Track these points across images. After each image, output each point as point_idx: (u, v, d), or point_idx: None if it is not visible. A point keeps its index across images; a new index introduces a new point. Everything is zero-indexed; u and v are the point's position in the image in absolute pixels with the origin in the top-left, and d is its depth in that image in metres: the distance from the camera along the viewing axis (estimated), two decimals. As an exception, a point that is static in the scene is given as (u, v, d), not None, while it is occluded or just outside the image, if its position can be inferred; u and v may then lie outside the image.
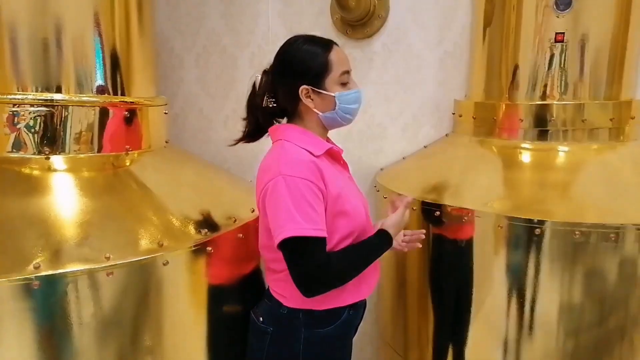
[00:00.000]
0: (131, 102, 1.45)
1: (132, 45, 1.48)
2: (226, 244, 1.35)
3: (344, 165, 1.40)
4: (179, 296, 1.27)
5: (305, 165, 1.16)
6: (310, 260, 1.14)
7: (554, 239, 1.43)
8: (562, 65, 1.61)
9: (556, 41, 1.59)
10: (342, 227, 1.23)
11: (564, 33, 1.58)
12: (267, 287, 1.37)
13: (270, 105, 1.30)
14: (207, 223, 1.35)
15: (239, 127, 2.35)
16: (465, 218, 1.55)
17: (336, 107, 1.25)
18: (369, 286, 1.36)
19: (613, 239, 1.39)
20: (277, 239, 1.13)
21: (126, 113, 1.41)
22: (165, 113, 1.61)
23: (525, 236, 1.46)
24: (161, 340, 1.24)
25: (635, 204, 1.45)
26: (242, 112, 2.22)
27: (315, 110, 1.25)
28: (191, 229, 1.31)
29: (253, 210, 1.47)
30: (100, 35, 1.38)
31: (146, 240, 1.21)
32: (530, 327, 1.50)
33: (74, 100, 1.32)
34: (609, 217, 1.41)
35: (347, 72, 1.26)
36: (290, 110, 1.30)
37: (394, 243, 1.35)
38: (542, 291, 1.47)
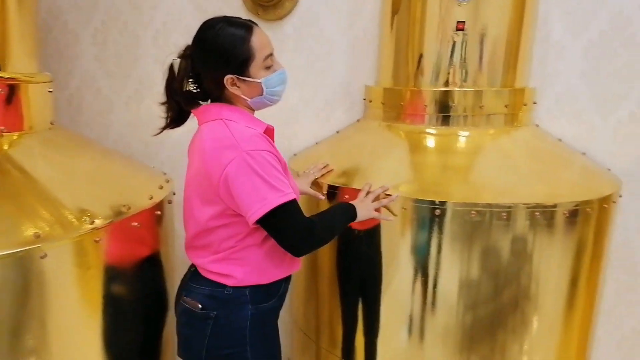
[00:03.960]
0: (8, 77, 1.29)
1: (8, 15, 1.31)
2: (118, 233, 1.25)
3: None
4: (65, 291, 1.15)
5: (262, 139, 1.20)
6: (300, 220, 1.21)
7: (453, 219, 1.49)
8: (463, 54, 1.67)
9: (457, 29, 1.64)
10: None
11: (464, 22, 1.63)
12: (190, 274, 1.33)
13: (194, 90, 1.27)
14: (96, 212, 1.23)
15: (142, 109, 2.21)
16: (372, 201, 1.57)
17: (264, 93, 1.26)
18: (300, 259, 1.40)
19: (505, 217, 1.48)
20: (260, 212, 1.14)
21: (0, 90, 1.25)
22: (50, 91, 1.45)
23: (427, 217, 1.51)
24: (46, 339, 1.13)
25: (525, 185, 1.55)
26: (146, 92, 2.12)
27: (243, 96, 1.25)
28: (77, 218, 1.19)
29: (151, 198, 1.38)
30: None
31: (23, 232, 1.08)
32: (433, 304, 1.56)
33: None
34: (501, 197, 1.49)
35: (270, 55, 1.25)
36: (217, 96, 1.28)
37: (366, 213, 1.42)
38: (444, 269, 1.53)
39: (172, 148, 2.13)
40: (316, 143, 2.07)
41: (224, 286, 1.27)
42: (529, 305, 1.56)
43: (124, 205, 1.29)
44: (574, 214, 1.51)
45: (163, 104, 1.30)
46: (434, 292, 1.55)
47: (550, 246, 1.53)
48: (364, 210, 1.42)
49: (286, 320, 2.21)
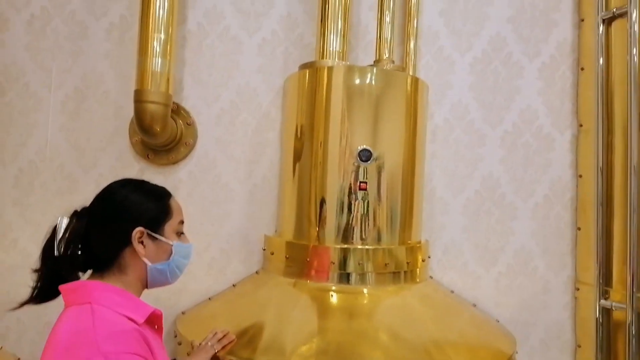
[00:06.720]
0: None
1: None
2: None
3: (159, 330, 1.14)
4: None
5: (131, 336, 0.95)
6: None
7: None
8: (364, 212, 1.70)
9: (360, 189, 1.69)
10: None
11: (366, 182, 1.69)
12: None
13: (76, 254, 1.04)
14: None
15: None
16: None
17: (171, 258, 1.10)
18: None
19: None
20: None
21: None
22: None
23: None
24: None
25: (438, 352, 1.52)
26: (2, 241, 1.73)
27: (144, 259, 1.06)
28: None
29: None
30: None
31: None
32: None
33: None
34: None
35: (183, 223, 1.16)
36: (106, 260, 1.06)
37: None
38: None
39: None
40: (209, 298, 1.86)
41: None
42: None
43: None
44: (486, 378, 1.52)
45: (36, 271, 1.05)
46: None
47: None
48: None
49: None
